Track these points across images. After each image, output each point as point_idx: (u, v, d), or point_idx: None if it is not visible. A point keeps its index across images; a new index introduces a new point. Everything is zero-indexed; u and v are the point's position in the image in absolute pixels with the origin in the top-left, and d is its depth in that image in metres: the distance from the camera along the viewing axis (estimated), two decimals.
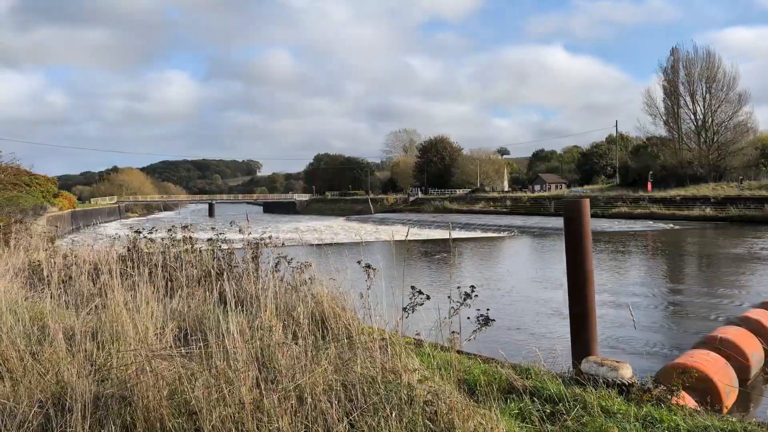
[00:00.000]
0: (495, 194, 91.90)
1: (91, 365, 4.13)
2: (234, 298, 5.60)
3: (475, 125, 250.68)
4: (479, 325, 5.42)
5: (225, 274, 6.96)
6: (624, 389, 4.20)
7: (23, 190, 15.94)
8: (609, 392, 4.06)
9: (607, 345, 11.19)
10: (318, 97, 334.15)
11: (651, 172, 73.73)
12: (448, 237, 45.02)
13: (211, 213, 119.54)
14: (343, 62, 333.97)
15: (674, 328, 13.47)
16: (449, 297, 5.49)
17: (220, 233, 9.10)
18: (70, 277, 7.12)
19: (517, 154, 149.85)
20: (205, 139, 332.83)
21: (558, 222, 57.08)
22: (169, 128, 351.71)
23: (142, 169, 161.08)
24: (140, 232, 8.93)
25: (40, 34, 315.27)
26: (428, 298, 5.47)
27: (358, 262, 5.90)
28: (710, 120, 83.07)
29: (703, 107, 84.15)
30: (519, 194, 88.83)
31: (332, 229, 56.74)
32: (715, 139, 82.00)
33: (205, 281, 6.73)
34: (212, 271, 6.80)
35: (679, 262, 27.94)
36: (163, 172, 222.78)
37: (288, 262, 7.29)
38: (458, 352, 5.50)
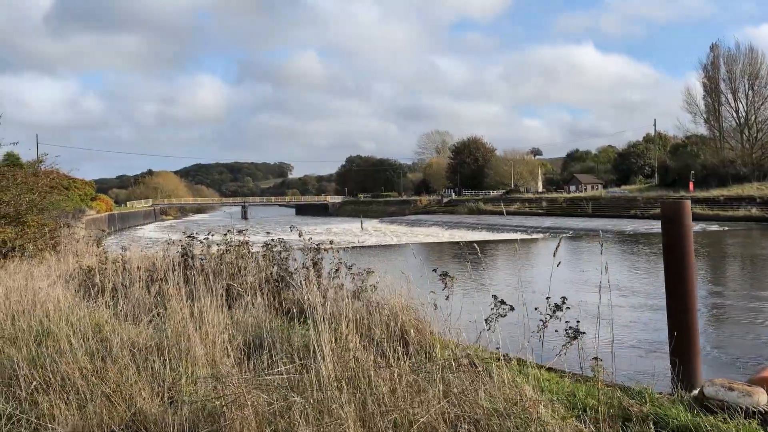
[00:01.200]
0: (530, 195, 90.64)
1: (161, 385, 3.75)
2: (297, 307, 5.18)
3: (505, 126, 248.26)
4: (568, 339, 4.92)
5: (285, 280, 6.56)
6: (764, 419, 3.65)
7: (63, 193, 15.93)
8: (748, 423, 3.53)
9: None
10: (347, 98, 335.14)
11: (693, 172, 71.69)
12: (489, 239, 44.32)
13: (244, 215, 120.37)
14: (371, 63, 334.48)
15: (741, 335, 12.72)
16: (537, 309, 5.01)
17: (274, 236, 8.71)
18: (125, 285, 6.81)
19: (549, 154, 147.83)
20: (236, 142, 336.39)
21: (597, 223, 55.92)
22: (201, 131, 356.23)
23: (176, 173, 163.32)
24: (194, 237, 8.57)
25: (75, 41, 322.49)
26: (512, 308, 4.98)
27: (435, 270, 5.43)
28: (753, 118, 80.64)
29: (746, 105, 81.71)
30: (554, 195, 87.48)
31: (368, 231, 56.42)
32: (758, 137, 79.55)
33: (265, 289, 6.34)
34: (271, 278, 6.40)
35: (733, 265, 26.85)
36: (195, 175, 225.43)
37: (348, 268, 6.86)
38: (549, 369, 5.01)
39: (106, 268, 7.86)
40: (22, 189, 13.22)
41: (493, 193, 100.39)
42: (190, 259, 7.52)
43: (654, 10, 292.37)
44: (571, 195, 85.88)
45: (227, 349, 4.28)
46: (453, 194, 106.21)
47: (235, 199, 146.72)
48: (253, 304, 5.81)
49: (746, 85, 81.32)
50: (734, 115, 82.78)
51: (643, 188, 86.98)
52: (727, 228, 47.02)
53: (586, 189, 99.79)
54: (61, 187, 16.13)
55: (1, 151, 15.25)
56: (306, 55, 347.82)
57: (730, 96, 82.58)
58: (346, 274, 6.71)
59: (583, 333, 4.88)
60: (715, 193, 64.31)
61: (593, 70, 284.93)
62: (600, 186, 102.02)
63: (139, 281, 6.74)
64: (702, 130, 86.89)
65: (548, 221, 61.99)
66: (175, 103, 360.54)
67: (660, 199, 66.30)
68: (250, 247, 7.93)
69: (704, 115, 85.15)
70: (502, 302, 4.99)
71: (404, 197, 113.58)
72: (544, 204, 78.78)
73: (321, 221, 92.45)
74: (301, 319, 5.56)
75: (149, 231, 66.72)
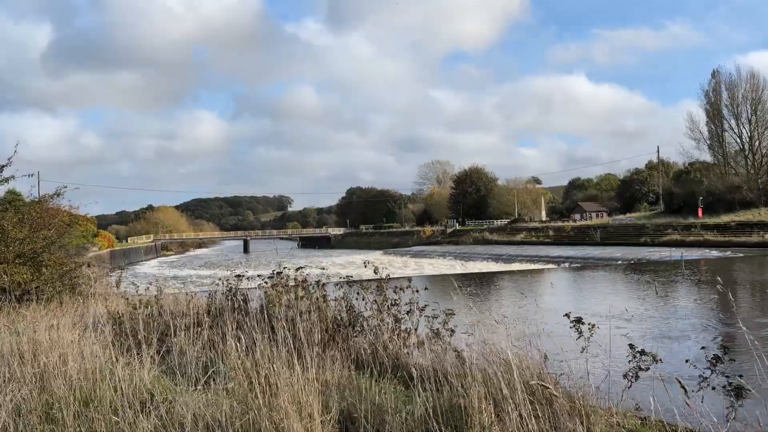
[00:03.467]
0: (536, 224, 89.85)
1: None
2: (376, 358, 4.26)
3: (502, 155, 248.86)
4: (733, 398, 4.01)
5: (354, 326, 5.66)
6: None
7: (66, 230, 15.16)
8: None
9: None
10: (345, 130, 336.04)
11: (701, 198, 71.06)
12: (501, 269, 43.34)
13: (246, 249, 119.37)
14: (367, 96, 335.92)
15: None
16: (687, 361, 4.10)
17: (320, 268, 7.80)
18: (166, 335, 5.88)
19: (547, 183, 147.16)
20: (235, 176, 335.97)
21: (610, 252, 55.04)
22: (200, 166, 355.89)
23: (176, 207, 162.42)
24: (241, 276, 7.66)
25: (73, 80, 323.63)
26: (655, 360, 4.08)
27: (567, 315, 4.52)
28: (758, 143, 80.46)
29: (749, 130, 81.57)
30: (561, 224, 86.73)
31: (375, 264, 55.25)
32: (763, 162, 79.25)
33: (332, 337, 5.43)
34: (340, 322, 5.49)
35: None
36: (195, 210, 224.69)
37: (420, 309, 5.95)
38: None
39: (138, 314, 6.95)
40: (38, 226, 12.38)
41: (498, 223, 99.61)
42: (241, 302, 6.61)
43: (644, 40, 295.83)
44: (579, 223, 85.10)
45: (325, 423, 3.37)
46: (456, 224, 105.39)
47: (237, 233, 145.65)
48: (323, 356, 4.89)
49: (749, 111, 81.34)
50: (738, 140, 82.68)
51: (649, 215, 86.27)
52: (741, 255, 46.12)
53: (591, 217, 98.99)
54: (63, 224, 15.29)
55: (4, 188, 14.48)
56: (303, 89, 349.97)
57: (733, 122, 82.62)
58: (420, 316, 5.81)
59: (748, 390, 3.97)
60: (725, 219, 63.56)
61: (587, 99, 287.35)
62: (605, 214, 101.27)
63: (185, 330, 5.81)
64: (706, 156, 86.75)
65: (558, 250, 61.08)
66: (174, 138, 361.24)
67: (670, 226, 65.68)
68: (308, 287, 6.98)
69: (708, 141, 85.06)
70: (642, 353, 4.09)
71: (407, 228, 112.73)
72: (551, 233, 77.94)
73: (323, 254, 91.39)
74: (384, 374, 4.66)
75: (152, 267, 65.71)
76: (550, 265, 47.47)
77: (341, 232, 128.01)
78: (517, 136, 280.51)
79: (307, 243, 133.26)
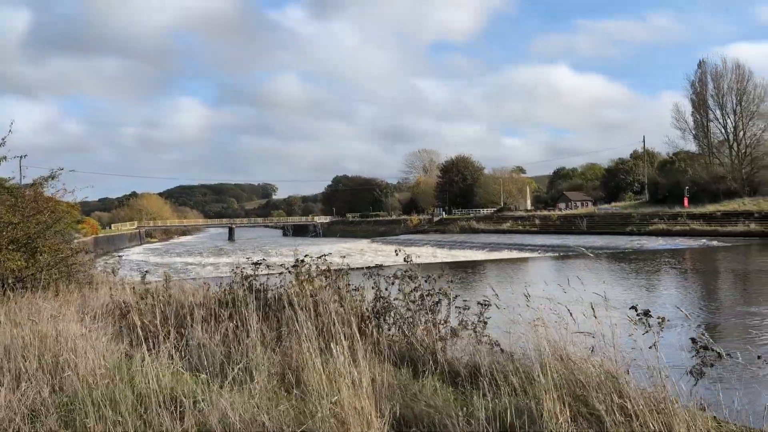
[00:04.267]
0: (522, 213, 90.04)
1: None
2: (411, 352, 3.98)
3: (487, 145, 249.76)
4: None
5: (383, 318, 5.36)
6: None
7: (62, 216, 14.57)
8: None
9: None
10: (330, 120, 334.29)
11: (687, 188, 71.54)
12: (489, 258, 43.24)
13: (231, 237, 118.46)
14: (353, 85, 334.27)
15: None
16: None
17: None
18: (184, 327, 5.54)
19: (531, 173, 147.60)
20: (219, 164, 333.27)
21: (597, 241, 55.18)
22: (184, 153, 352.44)
23: (159, 194, 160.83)
24: (259, 264, 7.27)
25: (55, 66, 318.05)
26: (720, 356, 3.84)
27: (634, 308, 4.27)
28: (742, 133, 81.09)
29: (734, 120, 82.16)
30: (547, 213, 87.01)
31: (365, 252, 55.10)
32: (747, 153, 79.92)
33: (361, 330, 5.13)
34: (371, 313, 5.19)
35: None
36: (179, 197, 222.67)
37: (450, 300, 5.66)
38: None
39: (147, 304, 6.60)
40: (33, 210, 11.90)
41: (484, 212, 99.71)
42: (261, 293, 6.27)
43: (627, 32, 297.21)
44: (564, 212, 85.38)
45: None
46: (443, 213, 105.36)
47: (222, 220, 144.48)
48: (353, 350, 4.58)
49: (734, 101, 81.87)
50: (723, 130, 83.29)
51: (634, 204, 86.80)
52: (729, 244, 46.46)
53: (576, 206, 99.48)
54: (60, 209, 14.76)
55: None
56: (287, 78, 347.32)
57: (718, 112, 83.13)
58: (450, 306, 5.52)
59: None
60: (711, 208, 64.02)
61: (570, 90, 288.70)
62: (590, 203, 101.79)
63: (202, 321, 5.47)
64: (691, 146, 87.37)
65: (545, 239, 61.16)
66: (157, 125, 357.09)
67: (656, 215, 66.02)
68: (331, 275, 6.60)
69: (693, 131, 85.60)
70: (705, 348, 3.86)
71: (394, 217, 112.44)
72: (537, 221, 78.12)
73: (310, 242, 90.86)
74: (424, 371, 4.38)
75: (138, 254, 64.89)
76: (538, 254, 47.51)
77: (327, 221, 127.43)
78: (502, 126, 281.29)
79: (293, 231, 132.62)
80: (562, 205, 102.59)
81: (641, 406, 3.32)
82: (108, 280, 10.73)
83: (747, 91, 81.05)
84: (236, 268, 7.12)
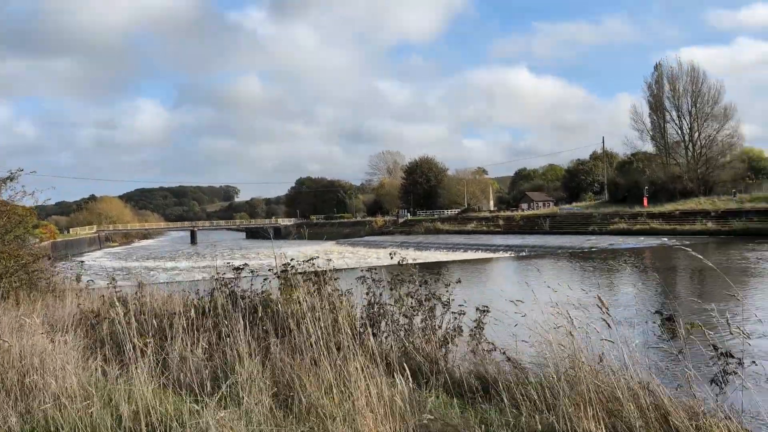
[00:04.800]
0: (486, 214, 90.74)
1: None
2: (410, 363, 3.81)
3: (448, 146, 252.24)
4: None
5: (379, 325, 5.13)
6: None
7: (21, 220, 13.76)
8: None
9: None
10: (291, 121, 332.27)
11: (647, 188, 73.09)
12: (456, 258, 43.33)
13: (193, 240, 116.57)
14: (314, 87, 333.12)
15: None
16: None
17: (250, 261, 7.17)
18: (161, 338, 5.23)
19: (493, 173, 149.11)
20: (179, 166, 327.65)
21: (560, 240, 55.87)
22: (143, 155, 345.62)
23: (119, 198, 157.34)
24: (241, 269, 6.93)
25: (6, 66, 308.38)
26: (741, 363, 3.75)
27: (659, 313, 4.17)
28: (697, 134, 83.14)
29: (689, 122, 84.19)
30: (510, 213, 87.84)
31: (331, 254, 54.67)
32: (702, 153, 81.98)
33: (354, 338, 4.89)
34: (363, 320, 4.97)
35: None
36: (139, 200, 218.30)
37: (443, 305, 5.47)
38: None
39: (118, 313, 6.25)
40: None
41: (448, 213, 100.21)
42: (244, 300, 5.95)
43: (582, 35, 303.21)
44: (528, 213, 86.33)
45: None
46: (408, 214, 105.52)
47: (183, 223, 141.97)
48: (344, 361, 4.36)
49: (689, 103, 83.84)
50: (679, 131, 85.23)
51: (595, 204, 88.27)
52: (688, 242, 47.49)
53: (538, 206, 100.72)
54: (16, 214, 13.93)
55: None
56: (247, 78, 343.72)
57: (674, 113, 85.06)
58: (445, 311, 5.32)
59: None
60: (669, 207, 65.48)
61: (529, 91, 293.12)
62: (551, 203, 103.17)
63: (182, 332, 5.16)
64: (649, 146, 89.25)
65: (510, 239, 61.68)
66: (115, 127, 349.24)
67: (617, 214, 67.26)
68: (320, 281, 6.29)
69: (650, 132, 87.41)
70: (729, 354, 3.77)
71: (358, 218, 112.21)
72: (501, 222, 78.80)
73: (275, 245, 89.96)
74: (426, 383, 4.17)
75: (98, 258, 63.24)
76: (504, 254, 47.86)
77: (291, 223, 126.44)
78: (463, 127, 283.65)
79: (256, 234, 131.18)
80: (524, 206, 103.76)
81: (684, 421, 3.18)
82: (72, 288, 10.24)
83: (701, 93, 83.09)
84: (216, 273, 6.79)
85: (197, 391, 4.08)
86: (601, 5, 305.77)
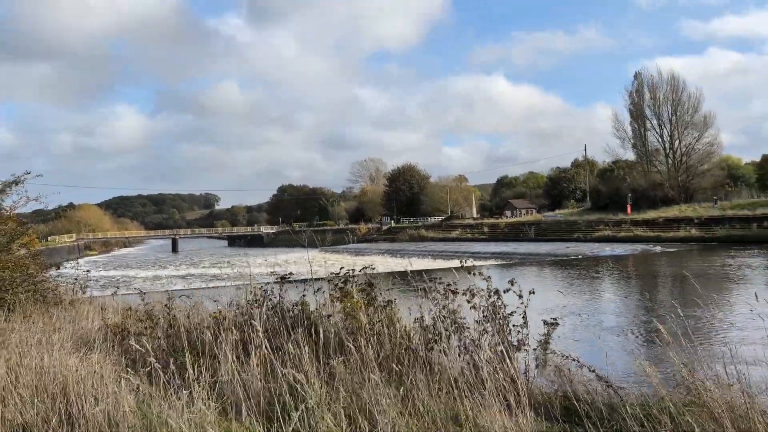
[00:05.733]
0: (470, 221, 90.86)
1: None
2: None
3: (427, 153, 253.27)
4: None
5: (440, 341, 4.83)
6: None
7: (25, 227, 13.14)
8: None
9: None
10: (270, 127, 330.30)
11: (630, 195, 73.76)
12: (444, 266, 43.04)
13: (174, 248, 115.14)
14: (293, 94, 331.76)
15: None
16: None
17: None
18: (208, 357, 4.90)
19: (473, 181, 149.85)
20: (158, 173, 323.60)
21: (545, 247, 56.02)
22: (121, 162, 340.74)
23: (98, 205, 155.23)
24: (287, 277, 6.48)
25: None
26: None
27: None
28: (678, 142, 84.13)
29: (670, 130, 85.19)
30: (494, 220, 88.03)
31: (315, 261, 54.22)
32: (683, 161, 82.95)
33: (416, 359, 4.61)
34: (434, 338, 4.68)
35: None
36: (117, 208, 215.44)
37: (502, 317, 5.19)
38: None
39: (146, 328, 5.93)
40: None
41: (432, 220, 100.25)
42: (292, 313, 5.59)
43: (558, 43, 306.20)
44: (512, 220, 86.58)
45: None
46: (391, 222, 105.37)
47: (164, 231, 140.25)
48: (415, 384, 4.09)
49: (669, 111, 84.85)
50: (659, 139, 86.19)
51: (578, 212, 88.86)
52: (673, 249, 47.90)
53: (521, 214, 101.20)
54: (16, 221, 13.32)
55: None
56: (226, 85, 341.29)
57: (655, 121, 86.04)
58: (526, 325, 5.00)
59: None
60: (653, 215, 66.05)
61: (506, 99, 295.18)
62: (534, 210, 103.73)
63: (231, 351, 4.82)
64: (630, 154, 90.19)
65: (495, 247, 61.70)
66: (92, 134, 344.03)
67: (601, 222, 67.67)
68: (372, 293, 5.95)
69: (632, 140, 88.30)
70: None
71: (342, 226, 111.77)
72: (485, 229, 78.91)
73: (257, 252, 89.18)
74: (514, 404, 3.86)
75: (80, 268, 61.88)
76: (495, 261, 47.77)
77: (274, 231, 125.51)
78: (441, 135, 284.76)
79: (238, 241, 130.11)
80: (507, 213, 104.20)
81: None
82: (79, 299, 9.83)
83: (681, 101, 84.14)
84: (251, 282, 6.44)
85: (261, 419, 3.75)
86: (576, 14, 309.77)
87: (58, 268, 12.39)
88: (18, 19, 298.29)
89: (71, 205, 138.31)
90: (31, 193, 11.95)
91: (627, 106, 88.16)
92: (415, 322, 5.32)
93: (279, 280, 6.37)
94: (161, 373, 4.38)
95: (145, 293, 6.82)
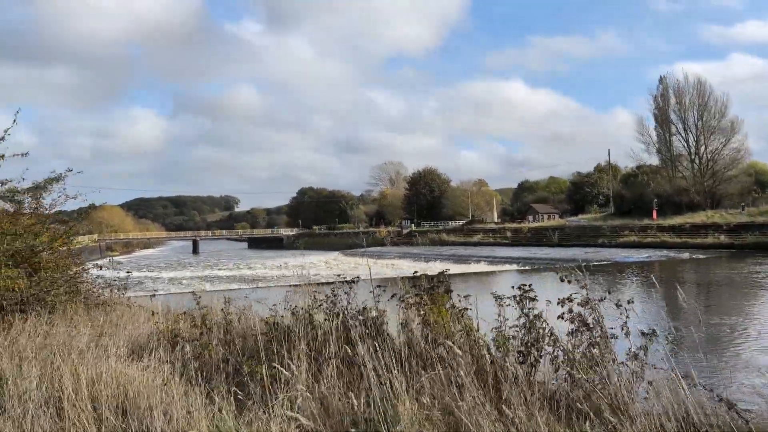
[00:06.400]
0: (492, 225, 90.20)
1: None
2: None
3: (443, 157, 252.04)
4: None
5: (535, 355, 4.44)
6: None
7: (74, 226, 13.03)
8: None
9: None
10: (286, 131, 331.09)
11: (656, 200, 72.71)
12: (468, 271, 42.71)
13: (195, 250, 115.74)
14: (309, 97, 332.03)
15: None
16: None
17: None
18: (271, 366, 4.55)
19: (492, 185, 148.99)
20: (176, 175, 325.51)
21: (571, 252, 55.29)
22: (139, 165, 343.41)
23: (119, 207, 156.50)
24: (355, 281, 6.05)
25: (3, 74, 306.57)
26: None
27: None
28: (703, 147, 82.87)
29: (695, 135, 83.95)
30: (516, 225, 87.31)
31: (337, 265, 54.05)
32: (709, 166, 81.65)
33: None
34: (521, 350, 4.30)
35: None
36: (138, 209, 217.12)
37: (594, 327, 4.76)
38: None
39: (201, 334, 5.64)
40: (40, 217, 10.71)
41: (453, 224, 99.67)
42: (368, 321, 5.22)
43: (575, 48, 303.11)
44: (535, 225, 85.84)
45: None
46: (412, 225, 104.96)
47: (186, 233, 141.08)
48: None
49: (695, 116, 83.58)
50: (685, 144, 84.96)
51: (599, 217, 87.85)
52: (703, 256, 46.98)
53: (543, 218, 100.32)
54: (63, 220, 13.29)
55: None
56: (243, 89, 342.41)
57: (680, 126, 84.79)
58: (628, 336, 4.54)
59: None
60: (679, 220, 64.97)
61: (523, 104, 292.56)
62: (556, 215, 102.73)
63: (305, 362, 4.48)
64: (654, 159, 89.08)
65: (519, 252, 61.05)
66: (110, 136, 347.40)
67: (626, 227, 66.70)
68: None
69: (656, 145, 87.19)
70: None
71: (362, 229, 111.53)
72: (508, 234, 78.21)
73: (277, 255, 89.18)
74: None
75: (104, 268, 62.13)
76: (522, 266, 47.19)
77: (294, 233, 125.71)
78: (456, 139, 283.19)
79: (259, 244, 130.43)
80: (530, 218, 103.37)
81: None
82: (119, 301, 9.60)
83: (708, 106, 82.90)
84: (308, 284, 6.08)
85: None
86: (594, 20, 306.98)
87: (101, 269, 12.07)
88: (38, 23, 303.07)
89: (92, 206, 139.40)
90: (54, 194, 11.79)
91: (651, 110, 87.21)
92: (493, 330, 4.95)
93: (346, 281, 6.00)
94: (229, 386, 4.08)
95: (199, 295, 6.48)
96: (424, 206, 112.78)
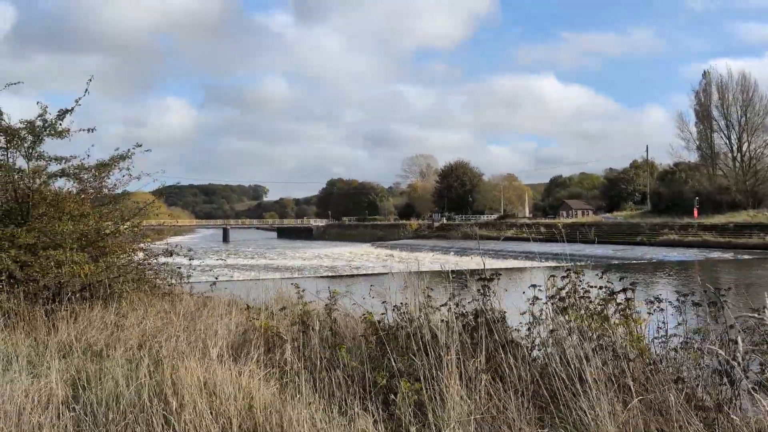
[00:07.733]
0: (525, 220, 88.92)
1: None
2: None
3: (471, 152, 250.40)
4: None
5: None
6: None
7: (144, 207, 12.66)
8: None
9: None
10: (315, 123, 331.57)
11: (697, 198, 70.78)
12: (507, 266, 41.79)
13: (225, 238, 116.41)
14: (338, 89, 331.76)
15: None
16: None
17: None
18: (429, 378, 3.87)
19: (522, 180, 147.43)
20: (206, 165, 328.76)
21: (612, 250, 54.01)
22: (170, 153, 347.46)
23: (151, 193, 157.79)
24: (493, 280, 5.33)
25: (38, 62, 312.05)
26: None
27: None
28: (746, 145, 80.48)
29: (738, 132, 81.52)
30: (551, 221, 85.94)
31: (371, 256, 53.55)
32: (752, 165, 79.26)
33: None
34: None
35: None
36: (168, 197, 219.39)
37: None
38: None
39: (303, 332, 5.05)
40: (107, 198, 10.29)
41: (485, 218, 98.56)
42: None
43: (607, 45, 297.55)
44: (570, 221, 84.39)
45: None
46: (443, 218, 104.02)
47: (216, 221, 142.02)
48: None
49: (739, 113, 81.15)
50: (727, 142, 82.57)
51: (635, 214, 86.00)
52: (749, 257, 45.42)
53: (576, 215, 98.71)
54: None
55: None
56: (272, 80, 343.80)
57: (722, 123, 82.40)
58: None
59: None
60: (722, 219, 63.10)
61: (554, 99, 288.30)
62: (590, 212, 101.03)
63: (455, 372, 3.80)
64: (694, 156, 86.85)
65: (556, 248, 59.52)
66: (142, 125, 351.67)
67: (666, 225, 64.98)
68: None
69: (697, 142, 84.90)
70: None
71: (392, 221, 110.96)
72: (542, 229, 76.72)
73: (306, 245, 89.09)
74: None
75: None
76: (561, 263, 46.01)
77: (323, 224, 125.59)
78: (485, 133, 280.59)
79: (288, 234, 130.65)
80: (563, 213, 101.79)
81: None
82: (180, 290, 9.08)
83: (752, 102, 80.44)
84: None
85: None
86: (627, 16, 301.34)
87: (171, 255, 11.46)
88: (73, 13, 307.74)
89: (125, 193, 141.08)
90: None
91: (692, 106, 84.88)
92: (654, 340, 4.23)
93: (481, 284, 5.27)
94: (376, 404, 3.42)
95: (300, 287, 5.81)
96: (455, 199, 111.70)
